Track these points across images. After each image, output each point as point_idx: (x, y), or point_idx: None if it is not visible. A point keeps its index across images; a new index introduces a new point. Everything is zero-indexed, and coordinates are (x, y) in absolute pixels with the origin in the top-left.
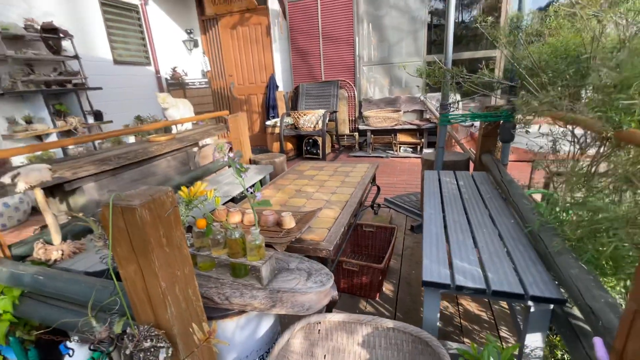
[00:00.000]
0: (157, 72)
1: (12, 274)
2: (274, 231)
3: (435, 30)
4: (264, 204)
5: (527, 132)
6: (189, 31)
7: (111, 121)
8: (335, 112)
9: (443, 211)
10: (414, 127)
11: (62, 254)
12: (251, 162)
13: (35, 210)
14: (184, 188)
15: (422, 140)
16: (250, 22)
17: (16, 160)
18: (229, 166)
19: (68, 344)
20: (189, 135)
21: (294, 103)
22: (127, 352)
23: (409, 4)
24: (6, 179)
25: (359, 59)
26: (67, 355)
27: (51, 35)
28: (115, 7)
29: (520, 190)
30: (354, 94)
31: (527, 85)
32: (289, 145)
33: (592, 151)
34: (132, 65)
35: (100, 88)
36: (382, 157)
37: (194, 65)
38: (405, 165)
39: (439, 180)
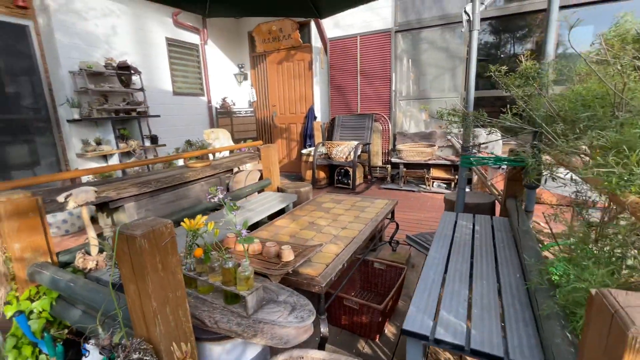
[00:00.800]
0: (209, 101)
1: (53, 278)
2: (273, 262)
3: (482, 63)
4: (248, 241)
5: (552, 179)
6: (240, 66)
7: (164, 144)
8: (369, 144)
9: (448, 256)
10: (448, 162)
11: (97, 264)
12: (278, 189)
13: (92, 220)
14: (186, 220)
15: (457, 177)
16: (295, 58)
17: (84, 177)
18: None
19: (86, 345)
20: (223, 163)
21: (330, 133)
22: None
23: (447, 41)
24: (61, 198)
25: (395, 93)
26: (84, 356)
27: (124, 71)
28: (179, 46)
29: (532, 242)
30: (389, 127)
31: (545, 133)
32: (322, 174)
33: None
34: (188, 95)
35: (158, 116)
36: (413, 191)
37: (242, 96)
38: (436, 202)
39: (455, 222)
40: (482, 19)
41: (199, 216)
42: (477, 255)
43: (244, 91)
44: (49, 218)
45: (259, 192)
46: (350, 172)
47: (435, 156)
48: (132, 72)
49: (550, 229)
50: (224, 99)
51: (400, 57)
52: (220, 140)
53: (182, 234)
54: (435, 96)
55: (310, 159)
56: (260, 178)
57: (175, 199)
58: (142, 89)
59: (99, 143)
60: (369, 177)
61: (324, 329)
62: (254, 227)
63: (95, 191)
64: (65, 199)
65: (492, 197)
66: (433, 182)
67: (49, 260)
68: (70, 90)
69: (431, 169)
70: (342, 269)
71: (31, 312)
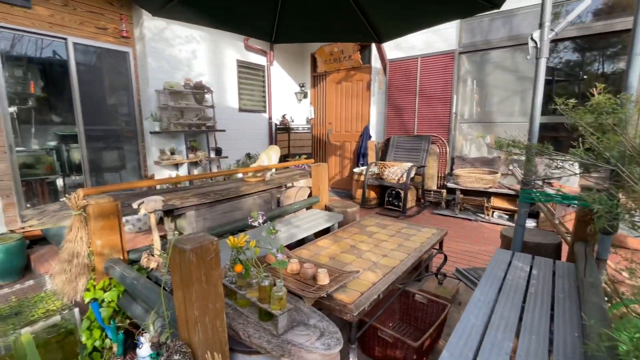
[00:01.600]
0: (270, 117)
1: (122, 274)
2: (308, 284)
3: (562, 84)
4: (282, 265)
5: (634, 227)
6: (301, 85)
7: (227, 157)
8: (424, 166)
9: (496, 300)
10: (513, 192)
11: (158, 265)
12: (326, 208)
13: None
14: (230, 237)
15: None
16: (354, 78)
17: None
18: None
19: (140, 338)
20: (275, 179)
21: (383, 153)
22: (162, 359)
23: (517, 63)
24: (135, 205)
25: (455, 115)
26: (138, 347)
27: (199, 90)
28: (248, 67)
29: (597, 297)
30: (446, 150)
31: (621, 173)
32: (372, 194)
33: None
34: (251, 112)
35: (224, 130)
36: (470, 219)
37: (300, 113)
38: (494, 234)
39: (510, 262)
40: (562, 39)
41: (242, 234)
42: (529, 303)
43: (303, 109)
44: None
45: (307, 208)
46: (402, 195)
47: (498, 184)
48: (206, 91)
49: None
50: (283, 116)
51: (464, 78)
52: (272, 159)
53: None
54: (502, 120)
55: (362, 178)
56: (310, 195)
57: (230, 210)
58: (212, 106)
59: (172, 153)
60: (421, 200)
61: (353, 359)
62: (300, 242)
63: (163, 200)
64: (138, 205)
65: (558, 238)
66: (493, 211)
67: (121, 257)
68: (154, 106)
69: (492, 197)
70: (377, 300)
71: (102, 300)
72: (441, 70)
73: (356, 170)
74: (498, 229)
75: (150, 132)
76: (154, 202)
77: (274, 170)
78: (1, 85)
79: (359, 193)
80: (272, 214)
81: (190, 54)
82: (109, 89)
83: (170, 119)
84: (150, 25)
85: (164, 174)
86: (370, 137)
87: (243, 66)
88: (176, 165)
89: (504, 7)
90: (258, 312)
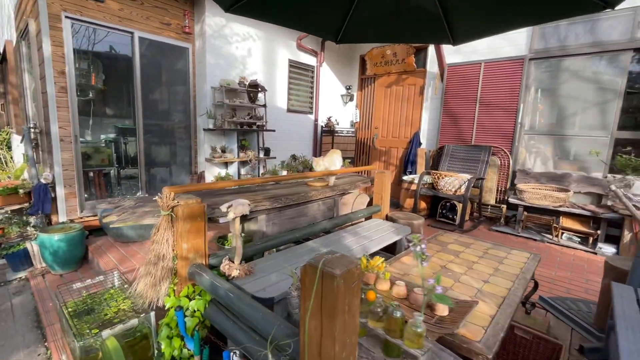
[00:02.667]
0: (316, 119)
1: (212, 283)
2: (426, 315)
3: None
4: (443, 301)
5: None
6: (348, 87)
7: (275, 157)
8: (482, 179)
9: None
10: (588, 213)
11: (238, 273)
12: (387, 218)
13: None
14: (363, 258)
15: (598, 231)
16: (406, 82)
17: (209, 177)
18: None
19: (232, 355)
20: (339, 185)
21: (435, 162)
22: None
23: (598, 72)
24: (223, 208)
25: (520, 126)
26: None
27: (253, 89)
28: (299, 67)
29: None
30: (508, 163)
31: None
32: (422, 204)
33: None
34: (299, 113)
35: (274, 130)
36: (535, 239)
37: (345, 116)
38: (568, 258)
39: (638, 301)
40: None
41: (377, 257)
42: None
43: (348, 111)
44: None
45: (366, 218)
46: (458, 207)
47: (570, 203)
48: (259, 89)
49: None
50: (329, 118)
51: (532, 87)
52: (335, 162)
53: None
54: (574, 133)
55: (413, 186)
56: (369, 204)
57: (296, 216)
58: (264, 105)
59: (223, 151)
60: (475, 214)
61: None
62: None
63: (249, 204)
64: (227, 209)
65: None
66: (562, 233)
67: (204, 262)
68: (209, 103)
69: (561, 217)
70: (504, 338)
71: (187, 309)
72: (507, 77)
73: (406, 178)
74: (568, 252)
75: (204, 129)
76: (242, 206)
77: (333, 176)
78: (72, 76)
79: (408, 202)
80: (336, 222)
81: (245, 52)
82: (168, 84)
83: (225, 117)
84: (212, 22)
85: (213, 171)
86: (420, 144)
87: (294, 66)
88: (226, 164)
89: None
90: (383, 346)
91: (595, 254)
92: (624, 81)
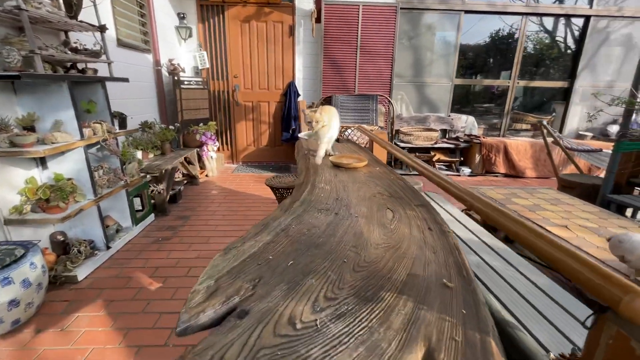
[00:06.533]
0: (157, 63)
1: None
2: None
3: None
4: None
5: None
6: (181, 15)
7: (128, 129)
8: (382, 127)
9: None
10: (451, 145)
11: None
12: None
13: None
14: None
15: (456, 159)
16: (270, 19)
17: None
18: None
19: None
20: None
21: None
22: None
23: (444, 27)
24: None
25: (394, 74)
26: None
27: None
28: None
29: None
30: (390, 110)
31: None
32: None
33: None
34: (133, 50)
35: (127, 80)
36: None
37: (187, 59)
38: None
39: None
40: None
41: None
42: None
43: (189, 53)
44: None
45: None
46: None
47: (438, 139)
48: None
49: None
50: (170, 62)
51: (400, 36)
52: (333, 129)
53: None
54: (429, 81)
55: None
56: None
57: None
58: (99, 28)
59: (31, 127)
60: None
61: None
62: None
63: None
64: None
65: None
66: (436, 164)
67: None
68: None
69: (435, 152)
70: None
71: None
72: (384, 24)
73: (302, 135)
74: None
75: None
76: None
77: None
78: None
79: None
80: None
81: None
82: None
83: (20, 48)
84: None
85: (8, 176)
86: (298, 95)
87: None
88: (44, 158)
89: None
90: None
91: (460, 175)
92: (458, 38)
